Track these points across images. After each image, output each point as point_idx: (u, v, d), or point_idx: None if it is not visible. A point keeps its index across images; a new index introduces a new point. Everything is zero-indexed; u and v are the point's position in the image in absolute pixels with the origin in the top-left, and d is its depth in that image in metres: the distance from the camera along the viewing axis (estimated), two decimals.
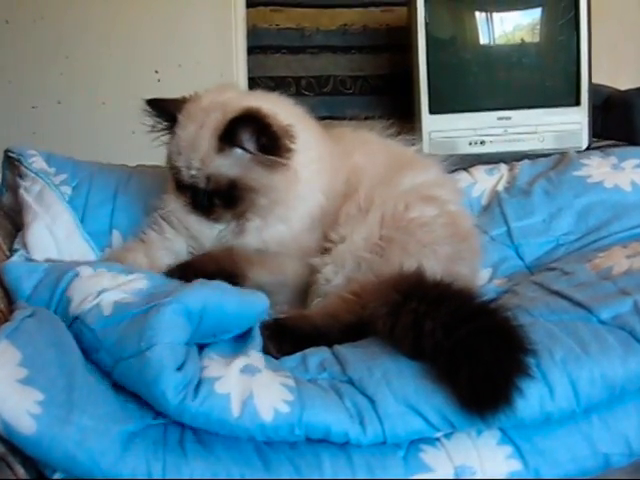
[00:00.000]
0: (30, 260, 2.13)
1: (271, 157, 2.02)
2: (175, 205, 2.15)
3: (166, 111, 2.13)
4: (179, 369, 1.53)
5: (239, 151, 2.03)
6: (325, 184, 2.15)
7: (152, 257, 2.18)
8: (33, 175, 2.33)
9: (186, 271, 2.01)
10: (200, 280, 1.80)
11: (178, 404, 1.50)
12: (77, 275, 1.88)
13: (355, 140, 2.29)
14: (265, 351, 1.83)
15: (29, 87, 3.99)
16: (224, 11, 3.95)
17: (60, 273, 1.91)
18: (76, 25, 3.93)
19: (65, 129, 3.93)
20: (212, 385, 1.54)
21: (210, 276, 1.87)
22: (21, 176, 2.34)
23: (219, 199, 2.06)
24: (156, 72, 3.93)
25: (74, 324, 1.76)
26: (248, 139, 2.01)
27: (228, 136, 2.01)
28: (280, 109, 2.09)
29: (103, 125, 3.97)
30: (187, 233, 2.17)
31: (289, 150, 2.04)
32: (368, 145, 2.28)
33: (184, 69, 3.90)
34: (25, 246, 2.15)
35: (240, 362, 1.63)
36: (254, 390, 1.54)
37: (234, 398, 1.52)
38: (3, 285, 1.96)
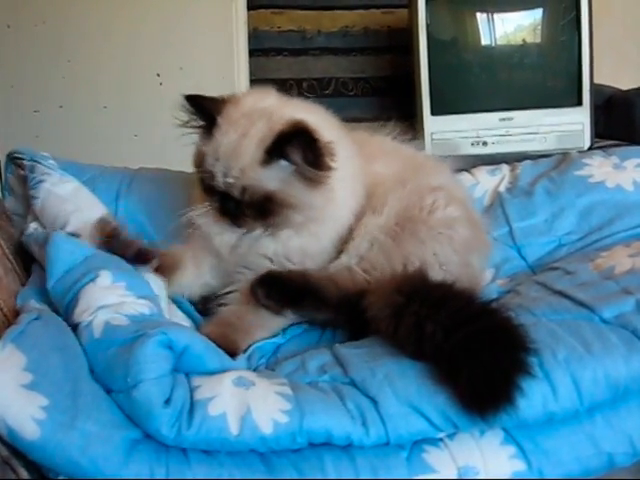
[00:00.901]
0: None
1: (317, 171, 1.97)
2: (203, 212, 2.08)
3: (205, 110, 2.05)
4: (167, 402, 1.52)
5: (283, 164, 1.97)
6: (355, 201, 2.12)
7: (198, 265, 2.16)
8: (60, 174, 2.33)
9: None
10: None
11: (175, 437, 1.49)
12: (93, 280, 1.86)
13: (375, 148, 2.26)
14: (252, 294, 1.93)
15: (31, 91, 3.99)
16: (225, 14, 3.94)
17: (87, 269, 1.90)
18: (78, 29, 3.93)
19: (67, 133, 3.93)
20: (206, 408, 1.52)
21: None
22: (35, 174, 2.32)
23: (251, 210, 2.00)
24: (158, 75, 3.93)
25: (75, 331, 1.76)
26: (295, 154, 1.94)
27: (276, 149, 1.95)
28: (322, 123, 2.04)
29: (105, 129, 3.97)
30: (208, 251, 2.14)
31: (329, 168, 1.99)
32: (387, 153, 2.26)
33: (186, 72, 3.90)
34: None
35: (231, 375, 1.63)
36: (250, 404, 1.54)
37: (231, 416, 1.51)
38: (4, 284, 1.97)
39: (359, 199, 2.13)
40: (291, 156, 1.95)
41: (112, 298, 1.82)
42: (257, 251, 2.07)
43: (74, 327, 1.76)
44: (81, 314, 1.77)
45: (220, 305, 2.07)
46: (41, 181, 2.28)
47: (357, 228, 2.10)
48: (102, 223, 2.09)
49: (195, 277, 2.16)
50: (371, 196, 2.13)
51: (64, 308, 1.84)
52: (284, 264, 2.07)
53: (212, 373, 1.65)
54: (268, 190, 1.97)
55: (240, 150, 1.97)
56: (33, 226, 2.21)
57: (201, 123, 2.06)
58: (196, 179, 2.10)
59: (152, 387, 1.52)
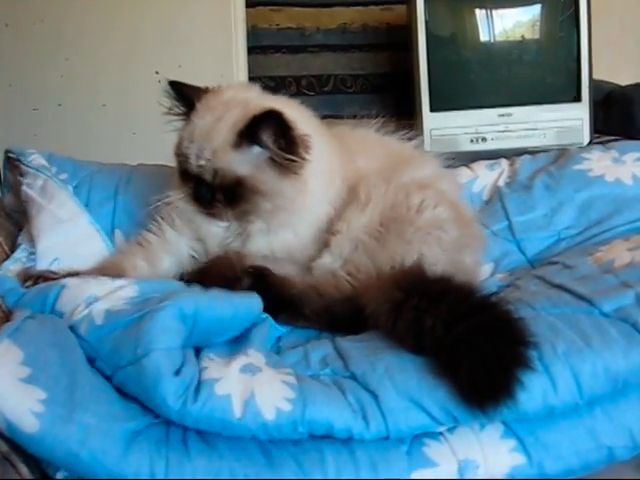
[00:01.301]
0: (32, 254, 2.15)
1: (289, 159, 1.98)
2: (179, 199, 2.11)
3: (186, 96, 2.10)
4: (177, 373, 1.53)
5: (255, 150, 1.99)
6: (333, 195, 2.12)
7: (152, 261, 2.15)
8: (34, 171, 2.33)
9: (204, 275, 2.01)
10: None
11: (179, 409, 1.50)
12: (64, 287, 1.88)
13: (357, 142, 2.26)
14: (239, 281, 1.95)
15: (30, 89, 3.99)
16: (224, 11, 3.94)
17: (47, 288, 1.91)
18: (76, 27, 3.93)
19: (66, 131, 3.93)
20: (212, 387, 1.53)
21: (228, 279, 1.92)
22: (22, 175, 2.34)
23: (222, 194, 2.02)
24: (156, 73, 3.92)
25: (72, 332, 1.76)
26: (268, 138, 1.97)
27: (248, 132, 1.98)
28: (300, 117, 2.06)
29: (104, 127, 3.97)
30: (191, 235, 2.14)
31: (303, 159, 2.01)
32: (369, 147, 2.27)
33: (184, 70, 3.88)
34: (31, 240, 2.15)
35: (240, 361, 1.64)
36: (255, 389, 1.54)
37: (235, 399, 1.52)
38: None
39: (338, 192, 2.13)
40: (263, 140, 1.97)
41: (94, 289, 1.84)
42: (247, 250, 2.08)
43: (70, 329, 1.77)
44: (72, 315, 1.78)
45: None
46: (21, 183, 2.32)
47: (339, 222, 2.10)
48: (25, 271, 2.10)
49: (147, 272, 2.15)
50: (353, 190, 2.14)
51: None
52: (274, 260, 2.08)
53: (227, 322, 1.73)
54: (239, 174, 2.00)
55: (213, 133, 2.01)
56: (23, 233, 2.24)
57: (183, 110, 2.10)
58: (175, 165, 2.13)
59: (162, 356, 1.54)
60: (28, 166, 2.35)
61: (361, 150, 2.23)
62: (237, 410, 1.50)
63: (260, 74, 4.00)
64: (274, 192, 2.02)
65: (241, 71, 3.97)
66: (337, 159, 2.15)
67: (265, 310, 1.91)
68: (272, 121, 1.95)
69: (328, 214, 2.11)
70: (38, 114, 4.01)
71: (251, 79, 3.99)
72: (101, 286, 1.86)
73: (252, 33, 4.05)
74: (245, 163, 2.00)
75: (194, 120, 2.05)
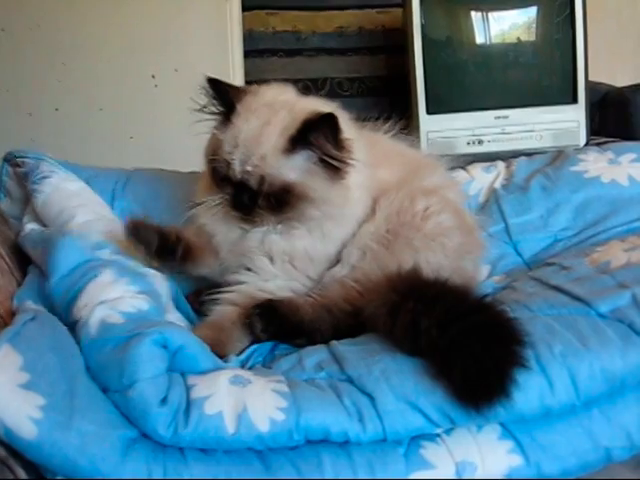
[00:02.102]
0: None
1: (342, 156, 1.94)
2: (215, 204, 2.04)
3: (226, 96, 2.02)
4: (164, 401, 1.52)
5: (305, 154, 1.94)
6: (363, 208, 2.09)
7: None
8: (66, 173, 2.36)
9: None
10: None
11: (171, 436, 1.49)
12: (95, 277, 1.87)
13: (378, 151, 2.20)
14: (249, 326, 1.90)
15: (26, 94, 3.98)
16: (220, 15, 3.94)
17: (89, 268, 1.91)
18: (72, 32, 3.92)
19: (63, 136, 3.92)
20: (202, 407, 1.53)
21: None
22: (37, 171, 2.32)
23: (265, 201, 1.97)
24: (153, 77, 3.93)
25: (75, 327, 1.76)
26: (320, 141, 1.92)
27: (300, 137, 1.93)
28: (342, 119, 1.99)
29: (101, 131, 3.96)
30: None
31: (349, 164, 1.97)
32: (389, 157, 2.22)
33: (181, 74, 3.89)
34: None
35: (228, 373, 1.63)
36: (247, 402, 1.54)
37: (227, 414, 1.52)
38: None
39: (366, 208, 2.10)
40: (315, 144, 1.92)
41: (112, 293, 1.83)
42: (263, 248, 2.05)
43: (73, 324, 1.77)
44: (80, 310, 1.78)
45: (215, 303, 2.06)
46: (47, 177, 2.30)
47: (353, 237, 2.08)
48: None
49: (213, 262, 2.14)
50: (375, 203, 2.11)
51: (64, 306, 1.85)
52: (285, 268, 2.06)
53: (205, 371, 1.66)
54: (288, 180, 1.95)
55: (262, 137, 1.95)
56: (30, 227, 2.22)
57: (219, 109, 2.03)
58: (207, 170, 2.06)
59: (148, 387, 1.53)
60: (55, 166, 2.34)
61: (384, 161, 2.18)
62: (230, 426, 1.50)
63: (256, 77, 3.99)
64: (323, 199, 1.97)
65: (237, 75, 3.97)
66: (368, 171, 2.09)
67: (280, 339, 1.92)
68: (325, 124, 1.91)
69: (355, 228, 2.08)
70: (35, 119, 4.00)
71: (247, 82, 3.98)
72: (120, 291, 1.85)
73: (248, 37, 4.04)
74: (294, 169, 1.95)
75: (237, 123, 1.98)
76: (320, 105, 2.05)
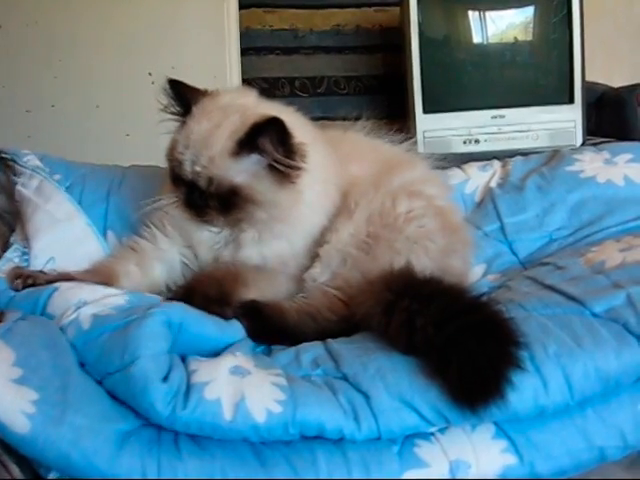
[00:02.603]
0: (26, 254, 2.16)
1: (287, 168, 1.96)
2: (170, 204, 2.07)
3: (183, 97, 2.06)
4: (165, 379, 1.53)
5: (253, 158, 1.96)
6: (328, 205, 2.11)
7: (144, 266, 2.13)
8: (29, 172, 2.33)
9: (190, 294, 1.95)
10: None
11: (169, 415, 1.50)
12: (56, 289, 1.89)
13: (349, 147, 2.24)
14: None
15: (23, 91, 3.98)
16: (217, 13, 3.94)
17: (39, 290, 1.93)
18: (70, 29, 3.92)
19: (59, 132, 3.92)
20: (202, 391, 1.53)
21: (212, 299, 1.91)
22: (16, 175, 2.34)
23: (215, 202, 1.99)
24: (150, 74, 3.92)
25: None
26: (268, 146, 1.94)
27: (248, 140, 1.95)
28: (297, 125, 2.02)
29: (97, 128, 3.96)
30: (182, 242, 2.12)
31: (299, 168, 1.98)
32: (362, 152, 2.24)
33: (178, 71, 3.82)
34: (24, 239, 2.15)
35: (228, 363, 1.64)
36: (245, 392, 1.54)
37: (225, 402, 1.52)
38: None
39: (333, 202, 2.12)
40: (263, 148, 1.94)
41: (86, 294, 1.84)
42: (239, 259, 2.06)
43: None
44: (61, 318, 1.78)
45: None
46: (16, 182, 2.33)
47: (329, 232, 2.09)
48: (16, 271, 2.07)
49: (141, 279, 2.13)
50: (346, 197, 2.12)
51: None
52: (266, 270, 2.07)
53: (212, 344, 1.70)
54: (235, 183, 1.97)
55: (211, 139, 1.97)
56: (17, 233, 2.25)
57: (178, 110, 2.07)
58: (167, 169, 2.09)
59: (149, 363, 1.54)
60: (23, 166, 2.34)
61: (354, 156, 2.21)
62: (227, 413, 1.50)
63: (253, 75, 4.00)
64: (270, 202, 1.99)
65: (234, 72, 3.97)
66: (332, 167, 2.12)
67: (263, 341, 1.90)
68: (272, 129, 1.92)
69: (322, 224, 2.09)
70: (32, 115, 4.00)
71: (244, 80, 3.98)
72: (92, 292, 1.87)
73: (245, 34, 4.04)
74: (242, 172, 1.97)
75: (190, 124, 2.02)
76: (275, 110, 2.05)
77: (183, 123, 2.05)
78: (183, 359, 1.65)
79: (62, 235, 2.19)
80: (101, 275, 2.06)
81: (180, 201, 2.04)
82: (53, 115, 3.99)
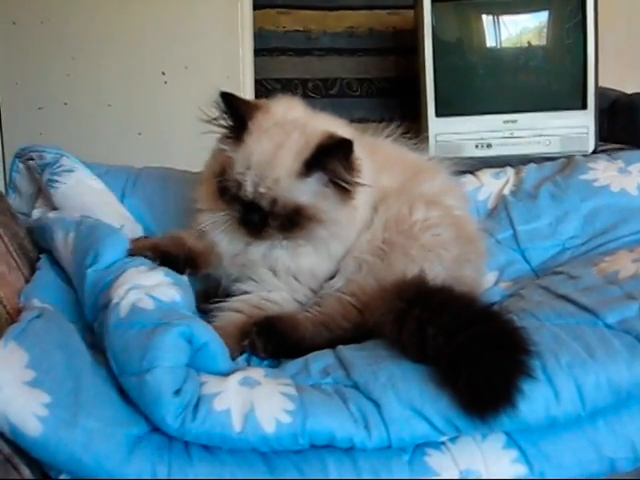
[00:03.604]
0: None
1: (355, 180, 1.94)
2: (224, 222, 2.02)
3: (238, 112, 2.00)
4: (178, 392, 1.52)
5: (317, 176, 1.94)
6: (364, 222, 2.08)
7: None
8: (78, 165, 2.34)
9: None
10: None
11: (178, 427, 1.49)
12: (136, 266, 1.88)
13: (381, 159, 2.18)
14: (250, 346, 1.88)
15: (35, 88, 3.99)
16: (231, 13, 3.94)
17: (129, 260, 1.93)
18: (83, 26, 3.93)
19: (71, 130, 3.92)
20: (211, 402, 1.53)
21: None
22: (56, 164, 2.32)
23: (277, 221, 1.96)
24: (163, 74, 3.93)
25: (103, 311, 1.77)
26: (334, 166, 1.92)
27: (315, 162, 1.92)
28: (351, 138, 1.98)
29: (109, 126, 3.97)
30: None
31: (357, 184, 1.97)
32: (391, 164, 2.21)
33: (191, 71, 3.90)
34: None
35: (238, 375, 1.63)
36: (255, 402, 1.54)
37: (235, 413, 1.51)
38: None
39: (367, 219, 2.09)
40: (329, 168, 1.92)
41: (149, 280, 1.83)
42: (266, 262, 2.04)
43: (104, 307, 1.77)
44: (116, 290, 1.77)
45: (220, 310, 2.06)
46: (70, 170, 2.30)
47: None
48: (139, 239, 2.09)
49: (218, 263, 2.11)
50: (374, 210, 2.11)
51: (100, 288, 1.84)
52: (288, 281, 2.05)
53: (220, 373, 1.66)
54: (299, 203, 1.94)
55: (276, 161, 1.93)
56: (39, 213, 2.21)
57: (229, 124, 2.01)
58: (211, 184, 2.04)
59: (165, 375, 1.53)
60: (77, 164, 2.34)
61: (384, 167, 2.17)
62: (237, 424, 1.50)
63: (266, 76, 4.01)
64: (332, 220, 1.97)
65: (247, 73, 3.97)
66: (374, 182, 2.08)
67: (280, 357, 1.89)
68: (339, 149, 1.91)
69: (353, 240, 2.07)
70: (43, 113, 4.01)
71: (257, 81, 3.99)
72: (155, 278, 1.86)
73: (259, 35, 4.06)
74: (307, 192, 1.94)
75: (249, 144, 1.97)
76: (331, 124, 2.04)
77: (236, 140, 1.99)
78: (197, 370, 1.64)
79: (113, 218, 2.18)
80: (203, 239, 2.07)
81: (234, 219, 2.00)
82: (65, 113, 4.00)
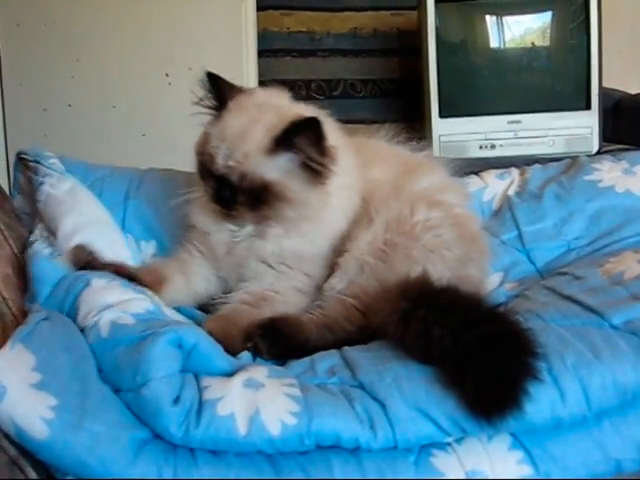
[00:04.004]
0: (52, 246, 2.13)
1: (323, 161, 1.96)
2: (198, 197, 2.08)
3: (220, 91, 2.06)
4: (176, 401, 1.52)
5: (287, 156, 1.96)
6: (350, 210, 2.10)
7: (187, 276, 2.14)
8: (58, 174, 2.31)
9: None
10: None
11: (183, 436, 1.49)
12: (88, 284, 1.89)
13: (372, 153, 2.23)
14: (254, 349, 1.86)
15: (40, 90, 4.00)
16: (235, 14, 3.95)
17: (74, 279, 1.92)
18: (87, 28, 3.94)
19: (76, 132, 3.94)
20: (214, 408, 1.52)
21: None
22: (39, 176, 2.32)
23: (245, 197, 1.98)
24: (166, 75, 3.94)
25: (83, 334, 1.76)
26: (304, 145, 1.94)
27: (285, 138, 1.95)
28: (329, 128, 2.01)
29: (113, 128, 3.99)
30: (209, 255, 2.13)
31: (330, 170, 1.98)
32: (383, 157, 2.24)
33: (194, 72, 3.88)
34: (51, 236, 2.13)
35: (241, 376, 1.63)
36: (259, 405, 1.54)
37: (239, 417, 1.51)
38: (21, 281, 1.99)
39: (355, 207, 2.11)
40: (298, 147, 1.94)
41: (113, 297, 1.83)
42: (254, 254, 2.06)
43: (81, 330, 1.77)
44: (85, 317, 1.78)
45: (225, 302, 2.08)
46: (42, 183, 2.29)
47: (348, 240, 2.08)
48: (78, 249, 2.08)
49: (185, 288, 2.14)
50: (367, 203, 2.12)
51: (65, 314, 1.85)
52: (280, 269, 2.07)
53: (220, 372, 1.66)
54: (267, 179, 1.97)
55: (247, 135, 1.98)
56: (36, 232, 2.22)
57: (213, 104, 2.07)
58: (196, 163, 2.08)
59: (161, 385, 1.53)
60: (51, 168, 2.33)
61: (375, 160, 2.20)
62: (242, 428, 1.50)
63: (270, 77, 4.02)
64: (300, 201, 1.99)
65: (251, 74, 3.98)
66: (357, 173, 2.13)
67: (284, 358, 1.87)
68: (310, 128, 1.92)
69: (342, 228, 2.09)
70: (48, 114, 4.02)
71: (261, 82, 4.00)
72: (121, 294, 1.87)
73: (263, 36, 4.06)
74: (275, 168, 1.97)
75: (226, 119, 2.02)
76: (309, 111, 2.06)
77: (217, 117, 2.05)
78: (196, 376, 1.64)
79: (96, 238, 2.16)
80: (152, 274, 2.08)
81: (208, 195, 2.04)
82: (70, 114, 4.01)
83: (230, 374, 1.66)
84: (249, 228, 2.06)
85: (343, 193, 2.08)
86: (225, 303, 2.08)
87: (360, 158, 2.15)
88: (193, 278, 2.15)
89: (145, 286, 2.02)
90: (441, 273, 2.00)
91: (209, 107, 2.08)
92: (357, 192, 2.12)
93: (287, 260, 2.07)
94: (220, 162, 1.98)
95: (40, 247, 2.11)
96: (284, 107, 2.06)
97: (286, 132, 1.95)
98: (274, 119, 1.99)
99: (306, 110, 2.07)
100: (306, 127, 1.93)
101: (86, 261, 2.03)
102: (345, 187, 2.08)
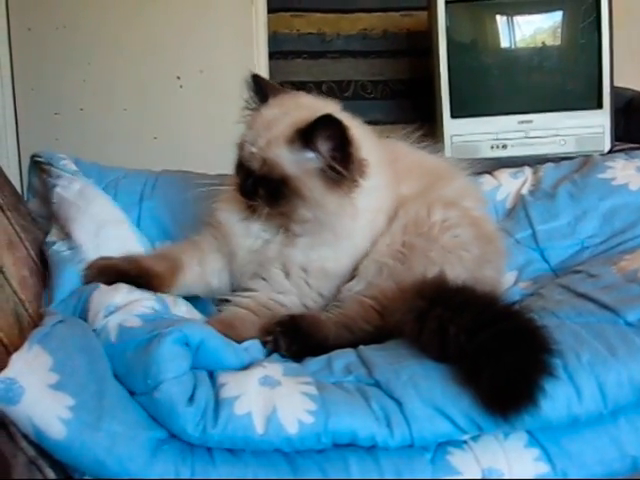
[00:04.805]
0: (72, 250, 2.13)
1: (340, 169, 1.94)
2: (228, 187, 2.09)
3: (264, 92, 2.09)
4: (191, 399, 1.53)
5: (309, 155, 1.95)
6: (376, 232, 2.08)
7: (204, 267, 2.14)
8: (69, 175, 2.32)
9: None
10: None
11: (200, 435, 1.50)
12: (97, 288, 1.91)
13: (403, 166, 2.19)
14: (274, 346, 1.87)
15: (52, 94, 4.01)
16: (245, 17, 3.96)
17: (83, 288, 1.96)
18: (98, 32, 3.96)
19: (87, 135, 3.95)
20: (231, 406, 1.53)
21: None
22: (52, 178, 2.33)
23: (264, 189, 1.98)
24: (178, 78, 3.95)
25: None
26: (323, 146, 1.94)
27: (306, 133, 1.94)
28: (367, 143, 2.03)
29: (125, 131, 4.00)
30: (225, 249, 2.12)
31: (355, 181, 1.98)
32: (411, 170, 2.21)
33: (206, 75, 3.91)
34: (67, 238, 2.14)
35: (258, 373, 1.63)
36: (276, 404, 1.54)
37: (256, 415, 1.52)
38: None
39: (381, 228, 2.09)
40: (318, 146, 1.94)
41: (119, 298, 1.86)
42: (279, 260, 2.05)
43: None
44: (93, 320, 1.80)
45: (228, 304, 2.08)
46: (54, 185, 2.31)
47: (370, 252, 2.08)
48: (98, 266, 2.07)
49: (198, 278, 2.14)
50: (392, 219, 2.10)
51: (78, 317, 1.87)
52: (299, 284, 2.06)
53: (231, 366, 1.67)
54: (285, 172, 1.97)
55: (274, 124, 1.99)
56: (53, 232, 2.22)
57: (258, 104, 2.09)
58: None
59: (173, 387, 1.53)
60: (63, 170, 2.34)
61: (405, 174, 2.17)
62: (259, 427, 1.50)
63: (281, 79, 4.01)
64: (316, 202, 1.97)
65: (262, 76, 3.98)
66: (389, 194, 2.10)
67: (302, 356, 1.87)
68: (331, 129, 1.92)
69: (366, 249, 2.07)
70: (60, 118, 4.04)
71: None
72: (127, 295, 1.89)
73: (273, 38, 4.06)
74: (295, 163, 1.96)
75: (262, 111, 2.05)
76: (349, 121, 2.03)
77: (256, 110, 2.08)
78: (211, 374, 1.64)
79: (107, 236, 2.16)
80: (168, 260, 2.09)
81: (236, 185, 2.04)
82: (81, 118, 4.03)
83: (242, 368, 1.67)
84: (279, 237, 2.06)
85: (373, 216, 2.07)
86: (229, 303, 2.08)
87: (392, 173, 2.12)
88: (209, 270, 2.14)
89: (154, 283, 2.04)
90: (459, 274, 2.00)
91: (253, 109, 2.11)
92: (386, 214, 2.10)
93: (311, 276, 2.06)
94: (246, 148, 2.01)
95: (61, 248, 2.13)
96: (321, 109, 2.01)
97: (309, 126, 1.94)
98: (305, 114, 1.98)
99: (346, 119, 2.02)
100: (328, 126, 1.92)
101: (108, 281, 2.00)
102: (375, 210, 2.07)
